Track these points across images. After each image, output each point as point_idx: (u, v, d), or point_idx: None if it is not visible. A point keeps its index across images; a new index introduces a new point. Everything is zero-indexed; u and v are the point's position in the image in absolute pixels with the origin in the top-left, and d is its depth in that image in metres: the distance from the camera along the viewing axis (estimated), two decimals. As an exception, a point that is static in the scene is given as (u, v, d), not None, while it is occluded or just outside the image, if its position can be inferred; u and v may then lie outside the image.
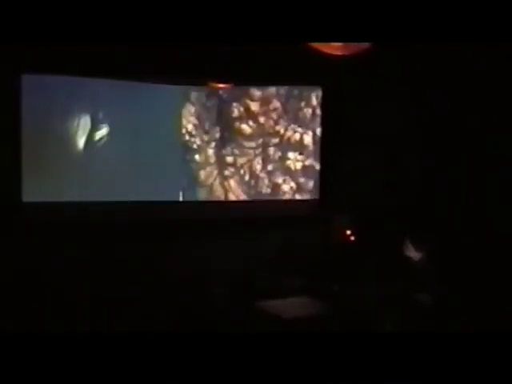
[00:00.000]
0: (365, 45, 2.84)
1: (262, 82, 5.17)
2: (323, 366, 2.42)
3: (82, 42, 2.79)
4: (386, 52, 3.65)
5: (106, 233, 4.28)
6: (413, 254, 3.84)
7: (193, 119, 5.13)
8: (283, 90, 5.27)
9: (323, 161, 5.19)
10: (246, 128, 5.23)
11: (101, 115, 4.78)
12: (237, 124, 5.23)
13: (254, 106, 5.23)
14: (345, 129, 5.00)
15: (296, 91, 5.29)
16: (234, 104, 5.20)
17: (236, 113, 5.21)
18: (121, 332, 2.72)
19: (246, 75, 4.83)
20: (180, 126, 5.09)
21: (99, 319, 3.34)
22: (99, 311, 3.48)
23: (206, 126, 5.18)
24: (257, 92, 5.22)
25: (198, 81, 4.95)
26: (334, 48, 2.80)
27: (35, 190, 4.35)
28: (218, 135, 5.22)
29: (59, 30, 2.54)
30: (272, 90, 5.25)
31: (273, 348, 2.54)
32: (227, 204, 5.29)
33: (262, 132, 5.27)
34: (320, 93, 5.23)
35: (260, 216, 5.02)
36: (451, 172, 4.28)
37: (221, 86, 5.03)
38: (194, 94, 5.12)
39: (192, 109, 5.14)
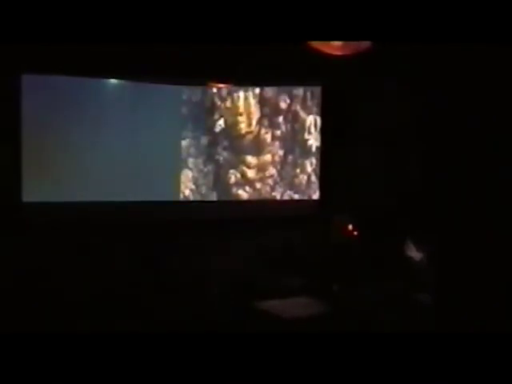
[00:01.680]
0: (365, 44, 2.84)
1: (262, 82, 5.17)
2: (323, 366, 2.42)
3: (82, 42, 2.79)
4: (386, 52, 3.65)
5: (106, 233, 4.28)
6: (413, 253, 3.84)
7: (190, 184, 5.18)
8: (278, 157, 5.32)
9: (323, 160, 5.19)
10: (242, 193, 5.29)
11: (101, 115, 4.77)
12: (234, 189, 5.28)
13: (251, 173, 5.28)
14: (345, 128, 4.99)
15: (291, 158, 5.33)
16: (231, 170, 5.26)
17: (233, 179, 5.25)
18: (121, 332, 2.72)
19: (246, 75, 4.83)
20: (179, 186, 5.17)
21: (99, 319, 3.33)
22: (99, 311, 3.48)
23: (203, 191, 5.23)
24: (253, 160, 5.29)
25: (198, 81, 4.95)
26: (334, 47, 2.80)
27: (35, 190, 4.35)
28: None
29: (59, 29, 2.54)
30: (268, 157, 5.31)
31: (273, 348, 2.54)
32: (227, 204, 5.29)
33: (258, 197, 5.34)
34: (314, 160, 5.27)
35: (260, 216, 5.02)
36: (451, 172, 4.27)
37: (221, 85, 5.03)
38: (191, 160, 5.17)
39: (189, 174, 5.18)
